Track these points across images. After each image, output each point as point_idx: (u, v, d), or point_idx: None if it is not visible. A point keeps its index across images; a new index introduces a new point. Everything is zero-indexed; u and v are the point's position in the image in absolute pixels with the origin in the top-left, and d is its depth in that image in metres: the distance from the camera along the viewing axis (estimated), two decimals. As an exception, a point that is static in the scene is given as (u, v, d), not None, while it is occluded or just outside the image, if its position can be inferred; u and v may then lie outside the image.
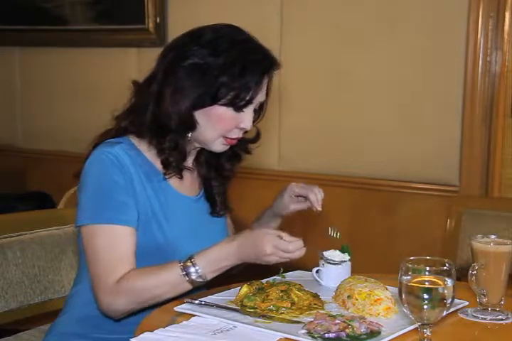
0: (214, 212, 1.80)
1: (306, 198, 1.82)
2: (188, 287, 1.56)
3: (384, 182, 3.04)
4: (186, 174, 1.75)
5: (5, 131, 4.08)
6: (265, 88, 1.68)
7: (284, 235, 1.55)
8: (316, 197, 1.81)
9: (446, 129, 2.93)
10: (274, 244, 1.53)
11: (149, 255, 1.63)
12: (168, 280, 1.55)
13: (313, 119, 3.19)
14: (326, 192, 1.84)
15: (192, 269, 1.54)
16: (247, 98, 1.63)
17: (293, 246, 1.53)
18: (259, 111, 1.75)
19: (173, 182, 1.71)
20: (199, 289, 1.63)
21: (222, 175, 1.81)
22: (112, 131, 1.70)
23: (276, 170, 3.26)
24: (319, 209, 1.80)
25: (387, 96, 3.03)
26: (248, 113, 1.67)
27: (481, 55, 2.82)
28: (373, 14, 3.02)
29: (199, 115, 1.64)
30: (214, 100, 1.62)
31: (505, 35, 2.80)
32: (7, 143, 4.06)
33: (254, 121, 1.74)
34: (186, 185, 1.76)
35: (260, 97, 1.67)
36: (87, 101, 3.64)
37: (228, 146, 1.72)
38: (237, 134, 1.69)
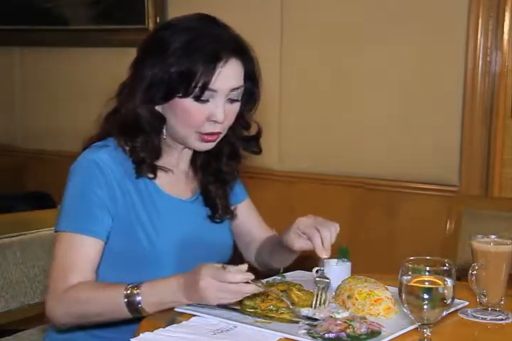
0: (213, 217, 1.76)
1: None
2: (128, 315, 1.50)
3: (384, 182, 3.04)
4: (180, 176, 1.73)
5: (5, 131, 4.08)
6: (235, 74, 1.59)
7: (231, 267, 1.41)
8: (324, 239, 1.56)
9: (446, 129, 2.93)
10: (211, 275, 1.39)
11: (136, 264, 1.62)
12: (110, 300, 1.50)
13: (313, 119, 3.19)
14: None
15: (136, 299, 1.47)
16: (200, 84, 1.55)
17: (233, 276, 1.37)
18: (249, 101, 1.69)
19: (163, 183, 1.69)
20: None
21: (220, 179, 1.77)
22: (98, 134, 1.70)
23: (276, 170, 3.26)
24: (323, 256, 1.56)
25: (387, 96, 3.03)
26: (216, 104, 1.59)
27: (481, 55, 2.81)
28: (373, 15, 3.01)
29: (165, 111, 1.62)
30: (170, 93, 1.58)
31: (505, 35, 2.79)
32: (7, 143, 4.06)
33: (245, 112, 1.69)
34: (179, 187, 1.73)
35: (225, 84, 1.58)
36: (87, 101, 3.63)
37: (210, 144, 1.64)
38: (211, 128, 1.61)
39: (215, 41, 1.59)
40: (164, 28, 1.66)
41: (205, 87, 1.56)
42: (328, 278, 1.57)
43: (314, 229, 1.58)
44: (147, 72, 1.59)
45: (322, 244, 1.56)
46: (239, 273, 1.39)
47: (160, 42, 1.61)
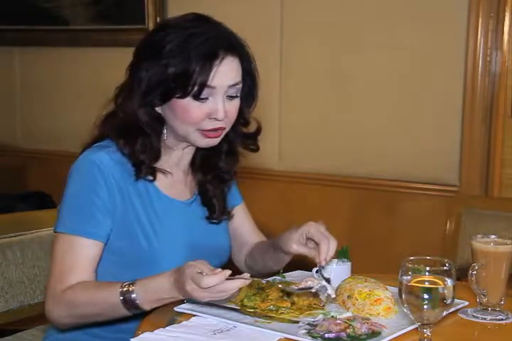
0: (210, 217, 1.75)
1: (316, 244, 1.63)
2: (126, 312, 1.50)
3: (384, 182, 3.05)
4: (180, 177, 1.73)
5: (5, 131, 4.09)
6: (232, 71, 1.59)
7: (206, 269, 1.41)
8: (330, 250, 1.61)
9: (446, 129, 2.93)
10: (192, 280, 1.39)
11: (136, 265, 1.62)
12: (107, 301, 1.51)
13: (313, 119, 3.19)
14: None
15: (131, 296, 1.47)
16: (197, 83, 1.54)
17: (205, 283, 1.37)
18: (247, 98, 1.68)
19: (163, 185, 1.68)
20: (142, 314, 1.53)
21: (218, 178, 1.76)
22: (96, 136, 1.69)
23: (276, 170, 3.26)
24: (323, 263, 1.62)
25: (388, 96, 3.03)
26: (216, 102, 1.58)
27: (481, 55, 2.82)
28: (373, 14, 3.02)
29: (164, 111, 1.62)
30: (168, 95, 1.57)
31: (505, 35, 2.80)
32: (7, 143, 4.06)
33: (245, 109, 1.68)
34: (179, 189, 1.72)
35: (223, 81, 1.57)
36: (87, 101, 3.63)
37: (214, 140, 1.63)
38: (211, 125, 1.59)
39: (209, 39, 1.57)
40: (158, 29, 1.65)
41: (203, 86, 1.56)
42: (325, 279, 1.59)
43: (324, 236, 1.62)
44: (144, 76, 1.59)
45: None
46: (212, 277, 1.38)
47: (154, 45, 1.60)
